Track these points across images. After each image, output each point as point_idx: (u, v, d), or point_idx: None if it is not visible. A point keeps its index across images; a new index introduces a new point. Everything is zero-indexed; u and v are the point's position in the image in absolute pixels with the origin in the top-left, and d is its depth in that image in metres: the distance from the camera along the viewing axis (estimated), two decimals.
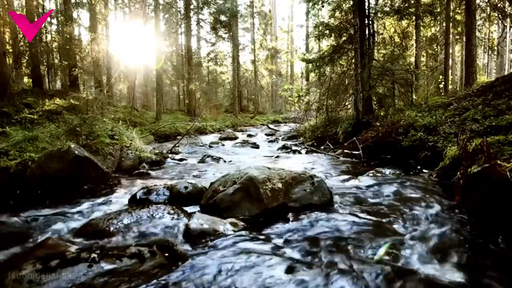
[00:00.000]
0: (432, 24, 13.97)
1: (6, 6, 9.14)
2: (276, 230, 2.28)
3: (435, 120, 5.21)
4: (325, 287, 1.54)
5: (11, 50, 9.34)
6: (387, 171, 4.12)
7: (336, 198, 2.98)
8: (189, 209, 2.81)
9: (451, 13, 11.10)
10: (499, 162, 2.25)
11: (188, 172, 4.93)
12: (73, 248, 1.84)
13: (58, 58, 13.21)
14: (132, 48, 12.81)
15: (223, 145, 9.39)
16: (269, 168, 3.05)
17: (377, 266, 1.69)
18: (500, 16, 9.38)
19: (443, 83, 11.38)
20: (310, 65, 9.57)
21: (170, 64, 20.86)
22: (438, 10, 10.93)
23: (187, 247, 2.02)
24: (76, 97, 5.75)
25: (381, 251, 1.88)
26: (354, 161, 5.66)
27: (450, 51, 12.76)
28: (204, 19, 20.77)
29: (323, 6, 9.68)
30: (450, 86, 12.33)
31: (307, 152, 7.16)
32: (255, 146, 8.87)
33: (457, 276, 1.62)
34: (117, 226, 2.20)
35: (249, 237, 2.14)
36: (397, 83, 8.38)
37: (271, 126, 17.44)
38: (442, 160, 3.72)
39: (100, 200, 3.21)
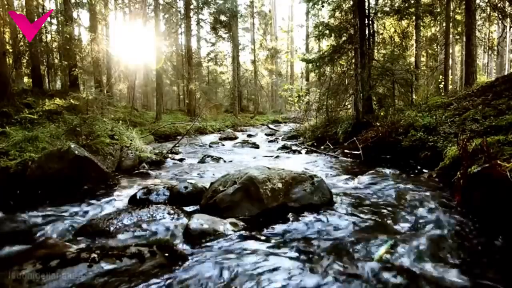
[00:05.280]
0: (432, 24, 13.97)
1: (6, 6, 9.14)
2: (276, 230, 2.28)
3: (435, 120, 5.21)
4: (325, 287, 1.54)
5: (11, 50, 9.35)
6: (387, 171, 4.11)
7: (336, 198, 2.98)
8: (189, 209, 2.82)
9: (451, 13, 11.09)
10: (499, 162, 2.25)
11: (188, 172, 4.93)
12: (73, 248, 1.84)
13: (58, 58, 13.22)
14: (132, 48, 12.82)
15: (223, 145, 9.39)
16: (269, 168, 3.05)
17: (377, 265, 1.69)
18: (500, 16, 9.38)
19: (443, 83, 11.37)
20: (310, 65, 9.58)
21: (170, 64, 20.88)
22: (438, 10, 10.94)
23: (187, 247, 2.02)
24: (76, 97, 5.75)
25: (381, 251, 1.88)
26: (354, 161, 5.66)
27: (450, 51, 12.76)
28: (204, 19, 20.79)
29: (323, 6, 9.68)
30: (450, 86, 12.32)
31: (307, 152, 7.16)
32: (255, 146, 8.87)
33: (457, 276, 1.62)
34: (117, 226, 2.20)
35: (249, 237, 2.14)
36: (397, 83, 8.37)
37: (271, 126, 17.44)
38: (442, 160, 3.72)
39: (100, 200, 3.21)
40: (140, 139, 6.49)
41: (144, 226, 2.23)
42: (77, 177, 3.52)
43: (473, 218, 2.33)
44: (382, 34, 10.17)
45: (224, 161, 6.04)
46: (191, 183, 3.26)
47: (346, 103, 10.06)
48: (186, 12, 17.83)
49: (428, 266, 1.72)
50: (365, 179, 3.82)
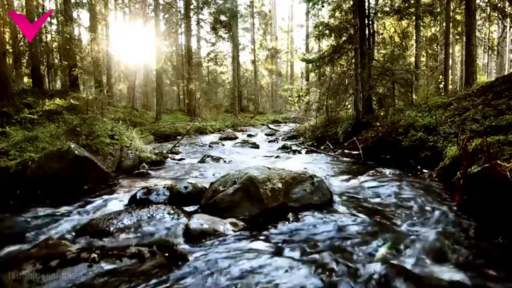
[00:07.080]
0: (432, 24, 13.97)
1: (6, 6, 9.14)
2: (276, 230, 2.28)
3: (435, 120, 5.21)
4: (324, 287, 1.54)
5: (11, 50, 9.34)
6: (387, 171, 4.11)
7: (336, 198, 2.98)
8: (189, 209, 2.82)
9: (451, 13, 11.09)
10: (499, 162, 2.25)
11: (188, 172, 4.93)
12: (73, 248, 1.84)
13: (58, 58, 13.22)
14: (132, 48, 12.83)
15: (223, 145, 9.39)
16: (269, 168, 3.05)
17: (377, 266, 1.69)
18: (500, 16, 9.38)
19: (443, 83, 11.37)
20: (310, 65, 9.58)
21: (170, 64, 20.88)
22: (438, 10, 10.95)
23: (187, 247, 2.02)
24: (76, 97, 5.74)
25: (381, 251, 1.88)
26: (354, 161, 5.66)
27: (450, 51, 12.75)
28: (204, 19, 20.79)
29: (323, 6, 9.69)
30: (450, 86, 12.32)
31: (307, 152, 7.16)
32: (255, 146, 8.86)
33: (457, 276, 1.62)
34: (117, 226, 2.19)
35: (249, 237, 2.14)
36: (397, 83, 8.38)
37: (271, 126, 17.45)
38: (442, 160, 3.72)
39: (100, 200, 3.21)
40: (140, 139, 6.48)
41: (144, 226, 2.23)
42: (77, 177, 3.52)
43: (473, 218, 2.33)
44: (382, 34, 10.17)
45: (224, 161, 6.03)
46: (191, 183, 3.26)
47: (346, 103, 10.06)
48: (186, 12, 17.82)
49: (428, 266, 1.72)
50: (365, 179, 3.82)
